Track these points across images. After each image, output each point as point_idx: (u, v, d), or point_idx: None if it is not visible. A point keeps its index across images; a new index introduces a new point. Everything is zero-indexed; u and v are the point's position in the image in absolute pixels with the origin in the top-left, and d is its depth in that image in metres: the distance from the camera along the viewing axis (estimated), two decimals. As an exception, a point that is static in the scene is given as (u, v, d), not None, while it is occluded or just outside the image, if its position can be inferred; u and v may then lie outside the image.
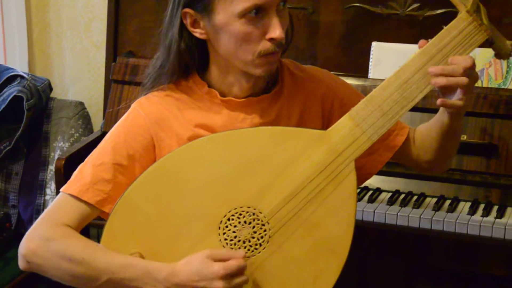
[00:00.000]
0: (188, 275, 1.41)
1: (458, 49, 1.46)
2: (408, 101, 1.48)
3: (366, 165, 1.65)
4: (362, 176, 1.64)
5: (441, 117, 1.57)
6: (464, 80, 1.43)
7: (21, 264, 1.52)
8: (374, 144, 1.50)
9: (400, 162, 1.73)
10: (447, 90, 1.47)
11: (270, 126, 1.54)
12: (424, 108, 2.14)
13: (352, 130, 1.48)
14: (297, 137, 1.49)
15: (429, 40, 1.47)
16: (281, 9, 1.48)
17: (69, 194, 1.53)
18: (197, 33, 1.51)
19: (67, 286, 1.56)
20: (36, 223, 1.53)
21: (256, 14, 1.45)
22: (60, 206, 1.53)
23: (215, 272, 1.39)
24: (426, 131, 1.64)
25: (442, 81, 1.44)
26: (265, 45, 1.47)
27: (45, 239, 1.49)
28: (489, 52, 2.19)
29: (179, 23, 1.51)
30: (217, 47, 1.52)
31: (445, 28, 1.47)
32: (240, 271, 1.41)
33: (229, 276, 1.40)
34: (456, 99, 1.46)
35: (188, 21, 1.51)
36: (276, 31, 1.46)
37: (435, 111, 1.61)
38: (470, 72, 1.44)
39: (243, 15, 1.45)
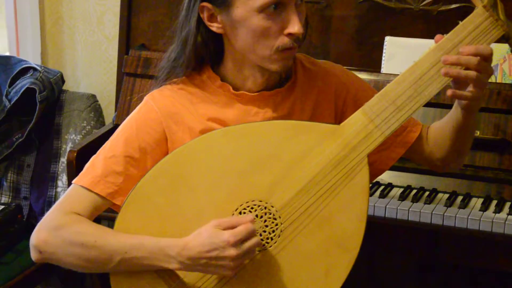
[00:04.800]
0: (199, 247, 1.42)
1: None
2: (422, 96, 1.47)
3: (378, 161, 1.65)
4: (373, 172, 1.63)
5: (454, 114, 1.56)
6: (473, 74, 1.42)
7: (34, 255, 1.53)
8: (386, 140, 1.49)
9: (412, 160, 1.72)
10: (459, 82, 1.46)
11: (283, 120, 1.53)
12: (437, 103, 2.13)
13: (366, 125, 1.48)
14: (310, 131, 1.48)
15: (445, 35, 1.47)
16: (299, 4, 1.48)
17: (81, 186, 1.54)
18: (214, 27, 1.51)
19: (78, 276, 1.56)
20: (47, 214, 1.53)
21: (275, 9, 1.45)
22: (71, 197, 1.54)
23: (225, 239, 1.40)
24: (440, 129, 1.63)
25: (453, 72, 1.43)
26: (283, 40, 1.47)
27: (55, 227, 1.49)
28: (504, 47, 2.19)
29: (196, 17, 1.51)
30: (233, 42, 1.51)
31: (461, 23, 1.46)
32: (250, 235, 1.41)
33: (239, 242, 1.40)
34: (467, 91, 1.45)
35: (205, 15, 1.50)
36: (295, 26, 1.46)
37: (447, 106, 1.60)
38: (485, 64, 1.43)
39: (262, 9, 1.45)
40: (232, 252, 1.40)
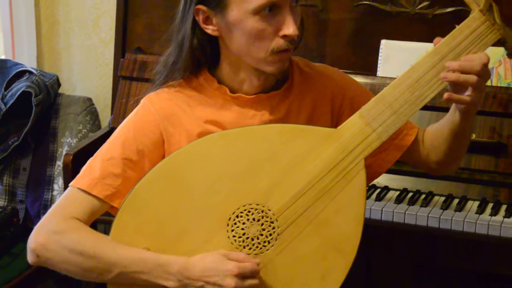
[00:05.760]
0: (201, 270, 1.42)
1: (471, 49, 1.46)
2: (419, 100, 1.47)
3: (374, 164, 1.65)
4: (370, 175, 1.63)
5: (451, 117, 1.56)
6: (473, 78, 1.43)
7: (30, 258, 1.52)
8: (383, 143, 1.49)
9: (408, 162, 1.72)
10: (457, 87, 1.47)
11: (280, 124, 1.54)
12: (433, 106, 2.13)
13: (362, 128, 1.48)
14: (307, 134, 1.48)
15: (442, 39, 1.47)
16: (294, 6, 1.48)
17: (79, 188, 1.53)
18: (209, 29, 1.51)
19: (74, 280, 1.56)
20: (45, 217, 1.53)
21: (270, 11, 1.45)
22: (69, 200, 1.54)
23: (229, 269, 1.41)
24: (436, 131, 1.64)
25: (452, 76, 1.43)
26: (278, 42, 1.48)
27: (55, 232, 1.49)
28: (499, 50, 2.19)
29: (191, 19, 1.51)
30: (229, 44, 1.52)
31: (457, 27, 1.47)
32: (253, 275, 1.43)
33: (242, 276, 1.41)
34: (465, 95, 1.46)
35: (200, 18, 1.51)
36: (290, 28, 1.46)
37: (443, 109, 1.61)
38: (486, 69, 1.44)
39: (257, 12, 1.45)
40: (231, 282, 1.40)
